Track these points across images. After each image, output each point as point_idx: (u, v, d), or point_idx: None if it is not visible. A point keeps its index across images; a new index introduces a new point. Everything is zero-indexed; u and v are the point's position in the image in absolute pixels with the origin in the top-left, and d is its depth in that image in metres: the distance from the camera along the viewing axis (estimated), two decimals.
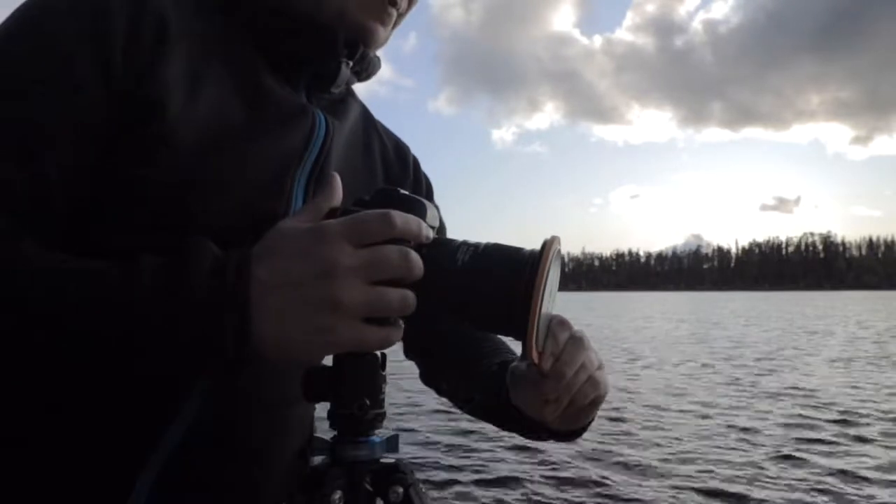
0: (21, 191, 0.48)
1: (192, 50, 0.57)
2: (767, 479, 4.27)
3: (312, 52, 0.64)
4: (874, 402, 6.91)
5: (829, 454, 4.87)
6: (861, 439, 5.32)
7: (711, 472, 4.44)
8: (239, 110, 0.58)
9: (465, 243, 0.53)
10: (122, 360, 0.43)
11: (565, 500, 3.97)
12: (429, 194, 0.82)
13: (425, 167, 0.86)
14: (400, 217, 0.47)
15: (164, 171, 0.52)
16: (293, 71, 0.65)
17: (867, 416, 6.21)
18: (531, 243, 0.53)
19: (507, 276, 0.50)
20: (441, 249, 0.53)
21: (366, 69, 0.70)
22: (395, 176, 0.80)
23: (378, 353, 0.58)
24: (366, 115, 0.79)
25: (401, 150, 0.83)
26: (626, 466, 4.59)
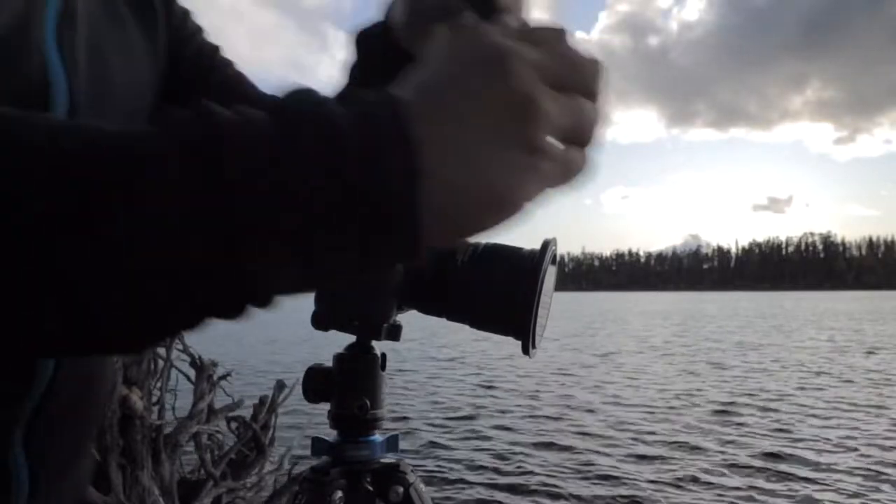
0: None
1: None
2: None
3: None
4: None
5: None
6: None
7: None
8: None
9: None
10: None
11: (569, 498, 3.97)
12: None
13: None
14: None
15: None
16: None
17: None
18: (525, 242, 0.53)
19: (508, 278, 0.50)
20: (440, 249, 0.53)
21: None
22: (151, 5, 0.64)
23: (378, 353, 0.58)
24: None
25: None
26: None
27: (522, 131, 0.29)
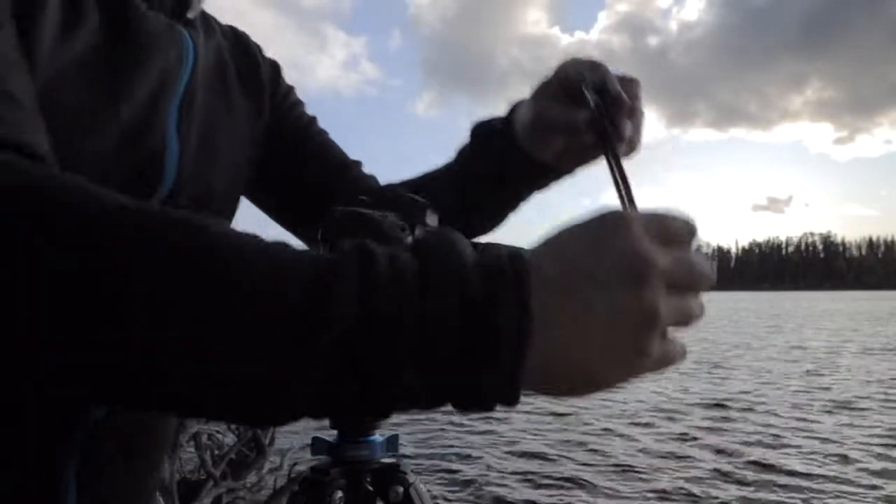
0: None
1: None
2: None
3: None
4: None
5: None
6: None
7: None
8: (108, 41, 0.52)
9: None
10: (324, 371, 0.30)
11: (568, 499, 3.97)
12: (276, 72, 0.76)
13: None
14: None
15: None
16: None
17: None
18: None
19: None
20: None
21: None
22: (260, 82, 0.73)
23: None
24: (220, 27, 0.72)
25: (249, 49, 0.74)
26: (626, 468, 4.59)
27: (637, 337, 0.32)
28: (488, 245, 0.34)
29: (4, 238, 0.28)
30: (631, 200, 0.44)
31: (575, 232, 0.34)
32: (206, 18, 0.67)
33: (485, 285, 0.31)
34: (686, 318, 0.35)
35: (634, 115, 0.54)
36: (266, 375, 0.29)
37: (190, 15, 0.61)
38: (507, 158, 0.62)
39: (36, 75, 0.45)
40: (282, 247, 0.32)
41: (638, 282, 0.32)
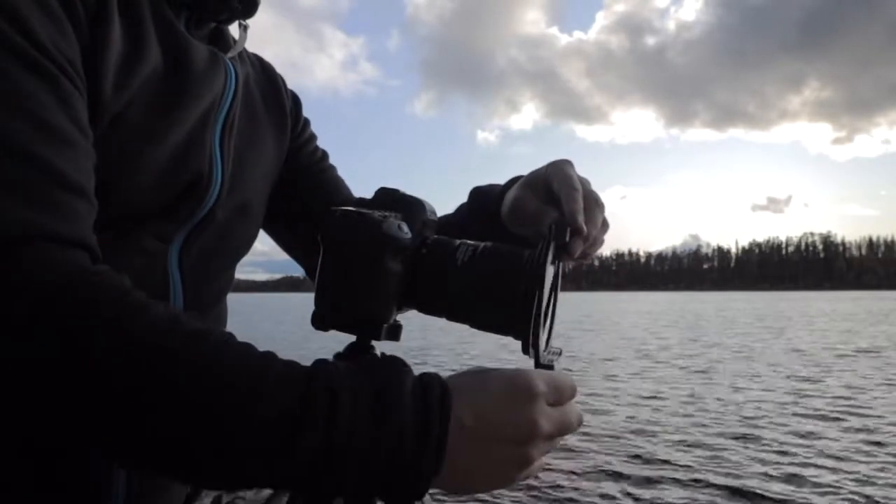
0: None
1: (125, 11, 0.55)
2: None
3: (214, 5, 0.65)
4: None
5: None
6: None
7: None
8: (166, 69, 0.58)
9: (464, 243, 0.53)
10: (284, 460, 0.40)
11: (572, 497, 3.97)
12: (297, 106, 0.84)
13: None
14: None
15: (98, 143, 0.51)
16: (197, 27, 0.66)
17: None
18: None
19: (508, 278, 0.50)
20: (441, 249, 0.53)
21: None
22: (283, 113, 0.80)
23: (378, 353, 0.58)
24: (248, 56, 0.79)
25: (274, 81, 0.82)
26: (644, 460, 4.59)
27: (512, 474, 0.47)
28: (423, 378, 0.45)
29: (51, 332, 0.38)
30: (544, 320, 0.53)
31: (495, 389, 0.46)
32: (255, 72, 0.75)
33: (416, 436, 0.42)
34: (550, 449, 0.49)
35: (588, 240, 0.57)
36: (247, 477, 0.41)
37: (231, 54, 0.69)
38: (491, 224, 0.69)
39: (102, 106, 0.50)
40: (266, 372, 0.41)
41: (526, 443, 0.46)
